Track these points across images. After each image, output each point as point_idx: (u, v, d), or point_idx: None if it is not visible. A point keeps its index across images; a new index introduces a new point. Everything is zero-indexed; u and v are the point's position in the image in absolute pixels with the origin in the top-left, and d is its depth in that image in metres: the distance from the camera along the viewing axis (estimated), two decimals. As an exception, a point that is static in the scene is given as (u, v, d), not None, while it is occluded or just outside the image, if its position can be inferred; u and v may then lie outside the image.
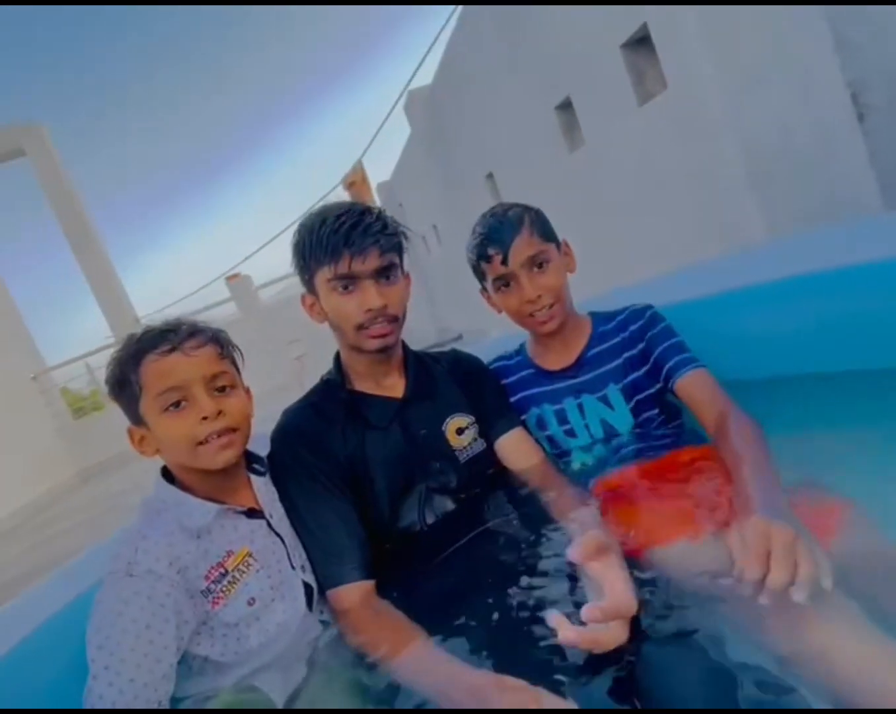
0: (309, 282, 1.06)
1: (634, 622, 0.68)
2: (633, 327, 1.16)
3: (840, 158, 1.80)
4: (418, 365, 1.16)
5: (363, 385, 1.10)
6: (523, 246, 1.10)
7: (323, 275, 1.01)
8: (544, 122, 3.43)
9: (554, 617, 0.66)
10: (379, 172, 8.32)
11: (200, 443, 0.87)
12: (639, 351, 1.14)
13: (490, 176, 4.69)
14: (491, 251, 1.12)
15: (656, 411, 1.15)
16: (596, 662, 0.67)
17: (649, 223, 2.80)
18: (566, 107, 3.20)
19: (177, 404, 0.87)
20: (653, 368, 1.12)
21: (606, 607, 0.66)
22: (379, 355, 1.05)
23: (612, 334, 1.18)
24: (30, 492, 7.75)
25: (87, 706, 0.76)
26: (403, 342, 1.16)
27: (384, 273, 1.01)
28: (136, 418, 0.90)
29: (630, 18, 2.37)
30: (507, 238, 1.10)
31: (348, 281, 0.99)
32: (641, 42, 2.43)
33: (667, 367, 1.10)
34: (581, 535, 0.71)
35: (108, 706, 0.75)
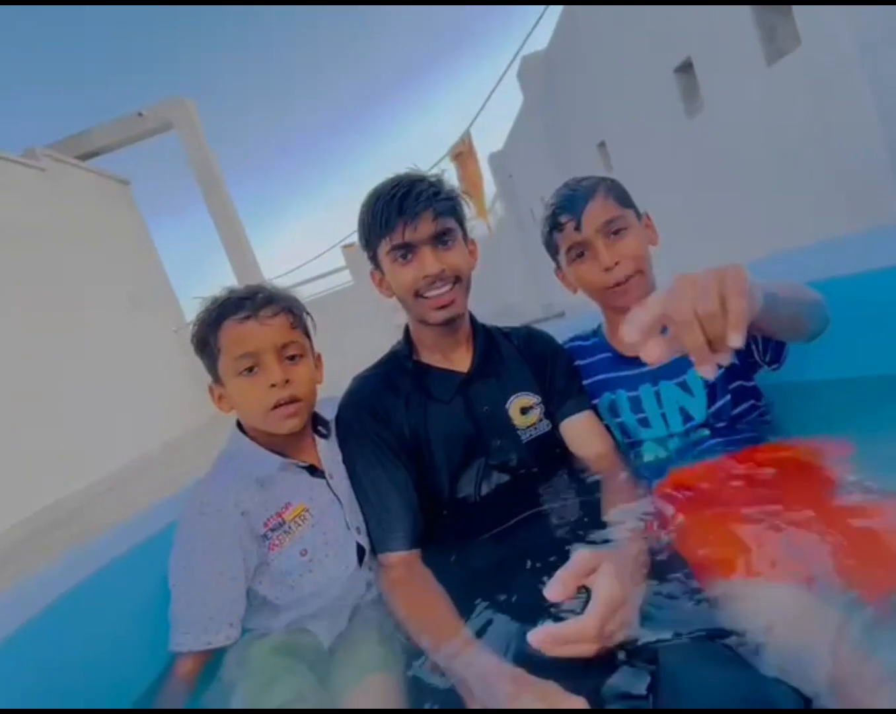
0: (374, 258, 1.08)
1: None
2: None
3: None
4: (487, 340, 1.15)
5: (430, 357, 1.11)
6: (598, 210, 1.04)
7: (383, 248, 1.03)
8: (661, 85, 3.20)
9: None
10: (493, 143, 8.20)
11: (269, 408, 0.93)
12: None
13: (602, 145, 4.47)
14: (563, 219, 1.07)
15: (728, 398, 1.05)
16: (618, 662, 0.64)
17: (774, 194, 2.54)
18: (686, 68, 2.95)
19: (250, 369, 0.93)
20: None
21: (558, 633, 0.63)
22: (445, 328, 1.05)
23: None
24: (171, 430, 8.77)
25: (172, 624, 0.89)
26: (472, 316, 1.15)
27: (441, 238, 1.01)
28: (216, 376, 0.98)
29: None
30: (579, 204, 1.05)
31: (405, 250, 1.00)
32: (775, -7, 2.18)
33: None
34: (563, 568, 0.67)
35: (186, 627, 0.87)
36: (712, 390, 1.05)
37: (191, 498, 0.94)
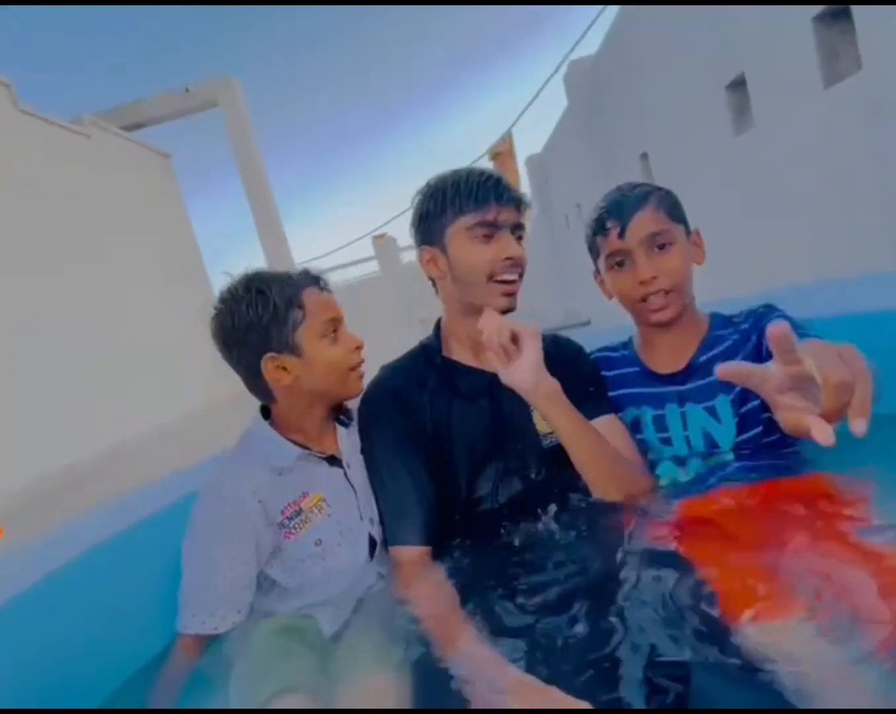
0: (437, 234, 1.05)
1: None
2: (745, 326, 1.04)
3: None
4: None
5: (459, 355, 1.10)
6: (645, 221, 1.01)
7: (463, 223, 1.01)
8: (711, 100, 3.13)
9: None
10: (532, 145, 8.15)
11: (352, 368, 1.01)
12: (752, 346, 1.02)
13: (644, 156, 4.41)
14: (609, 224, 1.04)
15: (760, 429, 1.02)
16: (645, 676, 0.65)
17: (823, 221, 2.47)
18: (738, 85, 2.88)
19: (333, 332, 1.00)
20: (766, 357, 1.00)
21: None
22: (506, 309, 1.04)
23: (727, 338, 1.06)
24: (190, 403, 8.93)
25: (181, 604, 0.89)
26: None
27: (518, 230, 1.05)
28: (285, 345, 0.95)
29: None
30: (627, 212, 1.02)
31: (492, 229, 1.01)
32: (839, 15, 2.11)
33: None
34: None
35: (194, 609, 0.88)
36: (744, 420, 1.02)
37: (209, 481, 0.95)
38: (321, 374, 0.98)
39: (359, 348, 1.02)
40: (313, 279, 1.01)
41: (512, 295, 1.04)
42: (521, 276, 1.05)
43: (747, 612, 0.70)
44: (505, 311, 1.03)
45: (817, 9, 2.14)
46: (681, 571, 0.79)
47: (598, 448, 0.98)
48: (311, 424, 1.00)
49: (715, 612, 0.71)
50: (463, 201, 1.01)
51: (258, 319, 0.94)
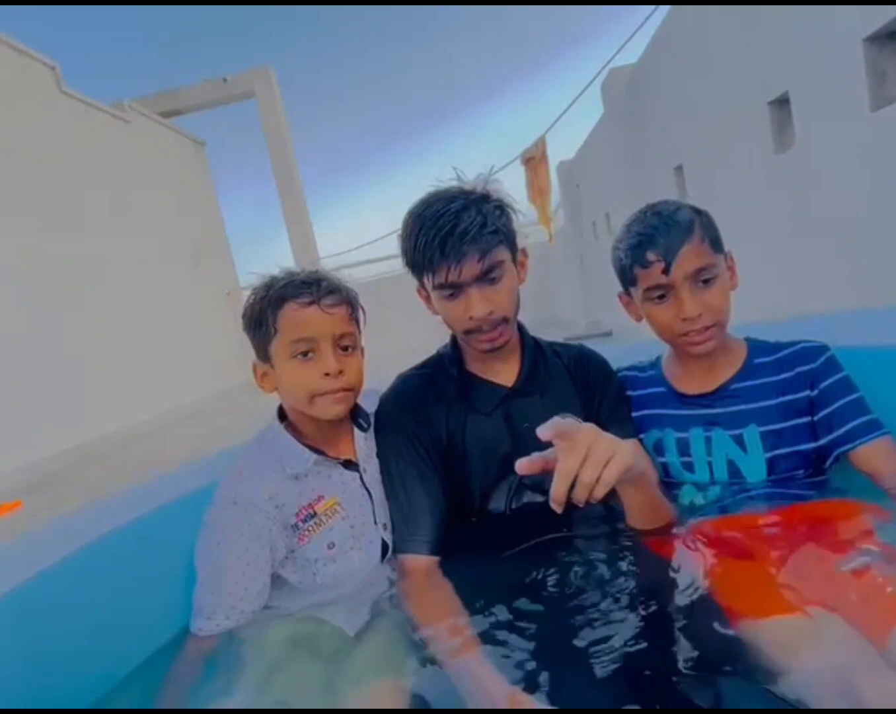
0: (420, 281, 1.05)
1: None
2: (802, 368, 0.99)
3: None
4: (536, 355, 1.12)
5: (475, 367, 1.10)
6: (691, 256, 0.95)
7: (428, 283, 1.00)
8: (752, 117, 3.07)
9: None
10: (564, 150, 8.08)
11: (317, 395, 0.93)
12: (805, 398, 0.98)
13: (679, 169, 4.34)
14: (651, 256, 0.97)
15: (801, 471, 0.99)
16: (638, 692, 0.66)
17: (864, 247, 2.40)
18: (781, 103, 2.82)
19: (304, 354, 0.93)
20: (820, 424, 0.97)
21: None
22: (490, 353, 1.04)
23: (770, 369, 1.02)
24: (211, 387, 9.04)
25: (195, 608, 0.90)
26: (523, 328, 1.12)
27: (487, 276, 0.96)
28: (264, 355, 0.97)
29: (882, 7, 2.00)
30: (673, 244, 0.95)
31: (451, 289, 0.97)
32: (892, 37, 2.05)
33: (845, 429, 0.95)
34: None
35: (209, 613, 0.88)
36: (776, 459, 1.00)
37: (223, 486, 0.94)
38: (289, 392, 0.97)
39: (328, 375, 0.92)
40: (301, 289, 0.93)
41: (493, 341, 1.00)
42: (504, 322, 0.99)
43: (761, 614, 0.71)
44: (490, 351, 1.02)
45: (868, 30, 2.08)
46: (697, 584, 0.79)
47: (653, 518, 0.93)
48: (319, 429, 0.99)
49: (729, 627, 0.71)
50: (418, 262, 0.97)
51: (248, 323, 0.98)
